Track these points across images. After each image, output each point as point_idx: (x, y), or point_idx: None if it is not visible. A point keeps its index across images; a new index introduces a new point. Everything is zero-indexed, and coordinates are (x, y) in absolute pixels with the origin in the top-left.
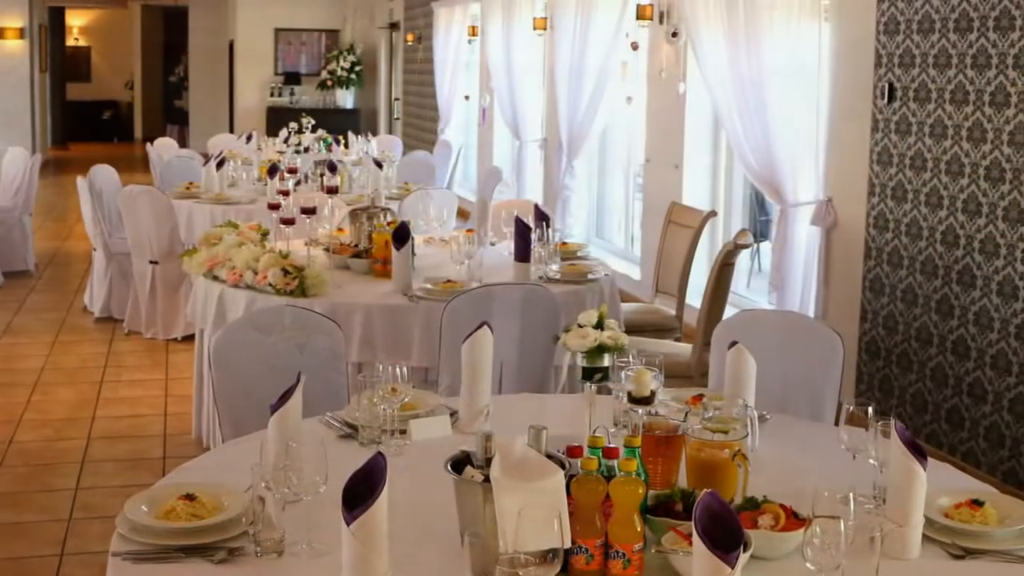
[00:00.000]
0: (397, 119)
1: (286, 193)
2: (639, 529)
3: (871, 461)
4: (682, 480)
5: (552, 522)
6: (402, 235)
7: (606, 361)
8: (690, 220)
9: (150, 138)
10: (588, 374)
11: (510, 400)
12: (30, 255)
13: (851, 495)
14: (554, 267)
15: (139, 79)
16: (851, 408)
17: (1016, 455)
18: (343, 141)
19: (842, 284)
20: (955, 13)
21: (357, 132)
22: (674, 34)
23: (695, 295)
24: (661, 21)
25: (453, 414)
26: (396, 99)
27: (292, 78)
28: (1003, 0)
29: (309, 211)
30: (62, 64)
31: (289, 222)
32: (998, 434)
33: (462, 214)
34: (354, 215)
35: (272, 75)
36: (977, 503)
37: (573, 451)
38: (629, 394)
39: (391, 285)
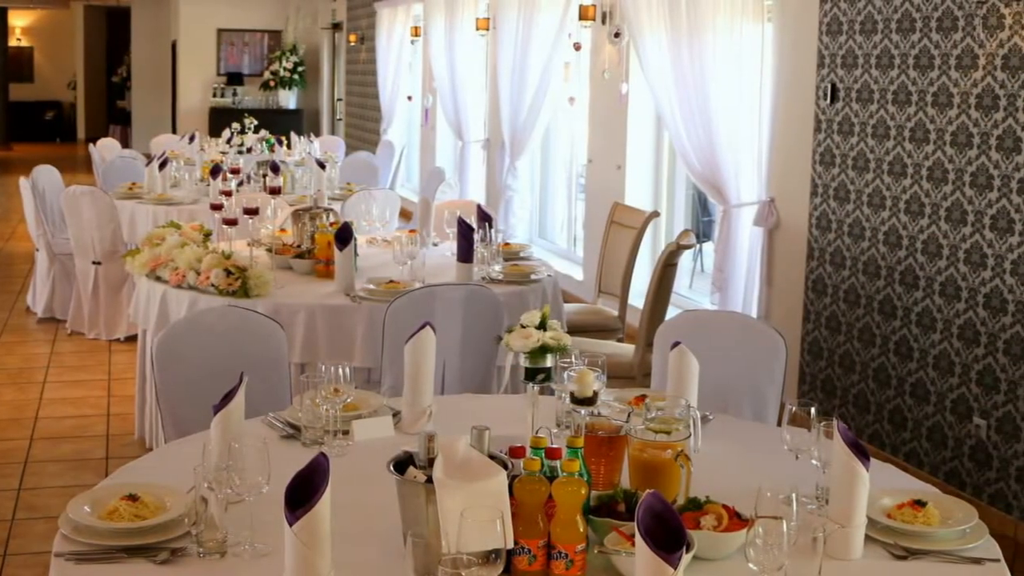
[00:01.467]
0: (340, 120)
1: (229, 194)
2: (582, 530)
3: (814, 461)
4: (625, 481)
5: (494, 523)
6: (345, 236)
7: (549, 362)
8: (633, 220)
9: (93, 138)
10: (531, 375)
11: (453, 400)
12: None
13: (794, 495)
14: (497, 268)
15: (82, 79)
16: (794, 408)
17: (958, 455)
18: (286, 142)
19: (785, 284)
20: (898, 14)
21: (300, 133)
22: (616, 34)
23: (638, 296)
24: (604, 21)
25: (396, 414)
26: (339, 100)
27: (235, 79)
28: (945, 1)
29: (252, 212)
30: (4, 64)
31: (232, 223)
32: (940, 434)
33: (405, 215)
34: (297, 216)
35: (215, 76)
36: (919, 503)
37: (516, 452)
38: (572, 395)
39: (334, 285)
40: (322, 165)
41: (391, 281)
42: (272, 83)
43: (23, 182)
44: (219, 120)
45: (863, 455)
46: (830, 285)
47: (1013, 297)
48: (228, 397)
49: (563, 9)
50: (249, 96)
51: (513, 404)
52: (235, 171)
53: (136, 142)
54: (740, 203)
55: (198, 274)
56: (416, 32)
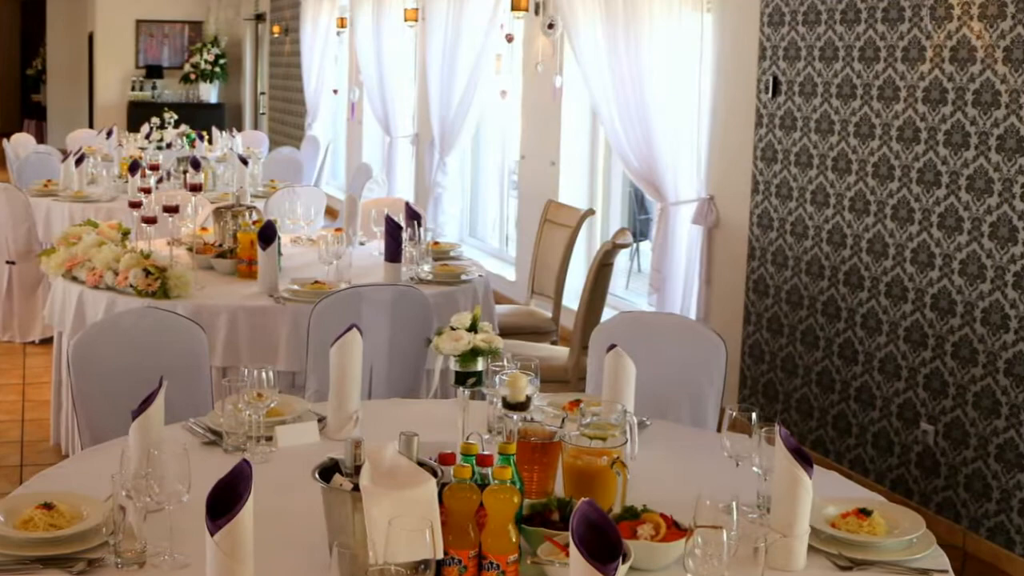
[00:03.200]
0: (263, 114)
1: (148, 191)
2: (514, 540)
3: (755, 469)
4: (559, 489)
5: (423, 532)
6: (268, 234)
7: (480, 365)
8: (567, 219)
9: (6, 133)
10: (461, 378)
11: (380, 405)
12: None
13: (734, 504)
14: (426, 268)
15: None
16: (734, 413)
17: (905, 462)
18: (207, 137)
19: (725, 285)
20: (842, 4)
21: (221, 128)
22: (550, 26)
23: (572, 297)
24: (537, 12)
25: (321, 420)
26: (262, 93)
27: (154, 71)
28: None
29: (172, 209)
30: None
31: (151, 221)
32: (887, 440)
33: (330, 213)
34: (218, 214)
35: (133, 68)
36: (865, 512)
37: (445, 458)
38: (504, 399)
39: (257, 286)
40: (244, 161)
41: (316, 281)
42: (193, 76)
43: None
44: (138, 114)
45: (806, 462)
46: (772, 286)
47: (962, 298)
48: (147, 402)
49: None
50: (169, 90)
51: (443, 409)
52: (154, 167)
53: (51, 137)
54: (678, 201)
55: (116, 274)
56: (342, 23)
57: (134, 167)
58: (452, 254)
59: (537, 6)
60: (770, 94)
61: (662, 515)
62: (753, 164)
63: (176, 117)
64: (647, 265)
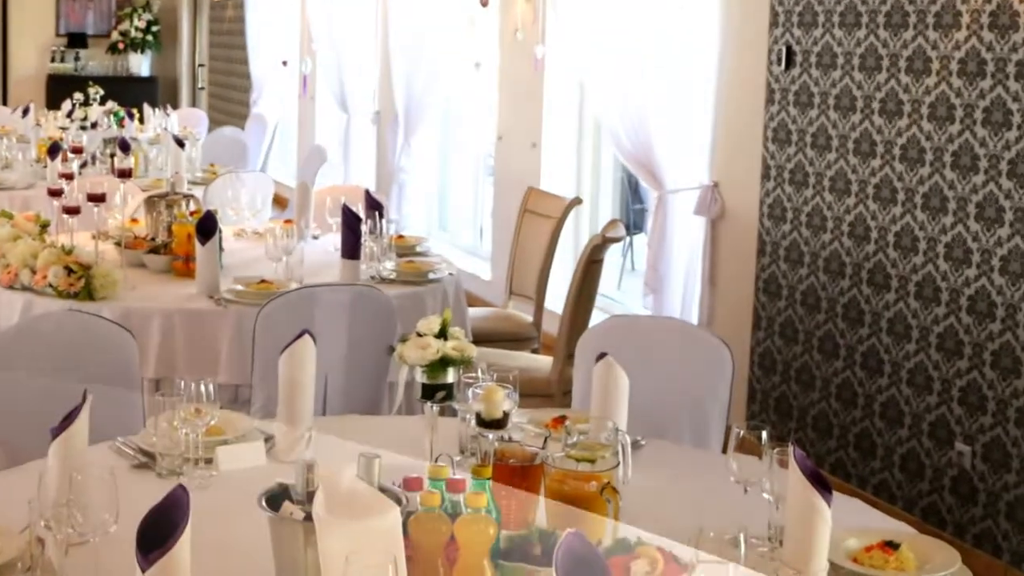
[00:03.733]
0: (202, 89)
1: (70, 177)
2: None
3: (765, 495)
4: (541, 518)
5: (386, 568)
6: (207, 227)
7: (450, 377)
8: (550, 209)
9: None
10: (429, 392)
11: (336, 423)
12: None
13: (741, 536)
14: (389, 265)
15: None
16: (742, 432)
17: (938, 488)
18: (138, 115)
19: (731, 285)
20: None
21: (154, 104)
22: None
23: (556, 298)
24: None
25: (268, 439)
26: (201, 65)
27: (77, 40)
28: None
29: (97, 198)
30: None
31: (73, 211)
32: (916, 463)
33: (279, 202)
34: (151, 203)
35: (53, 37)
36: (892, 545)
37: (411, 484)
38: (478, 416)
39: (195, 286)
40: (181, 143)
41: (263, 281)
42: (121, 45)
43: None
44: (58, 90)
45: (824, 488)
46: (785, 285)
47: (1002, 299)
48: (69, 419)
49: None
50: (94, 61)
51: (408, 427)
52: (77, 150)
53: None
54: (677, 188)
55: (33, 272)
56: None
57: (54, 150)
58: (419, 249)
59: None
60: (783, 66)
61: (659, 549)
62: (763, 146)
63: (102, 92)
64: (642, 262)
